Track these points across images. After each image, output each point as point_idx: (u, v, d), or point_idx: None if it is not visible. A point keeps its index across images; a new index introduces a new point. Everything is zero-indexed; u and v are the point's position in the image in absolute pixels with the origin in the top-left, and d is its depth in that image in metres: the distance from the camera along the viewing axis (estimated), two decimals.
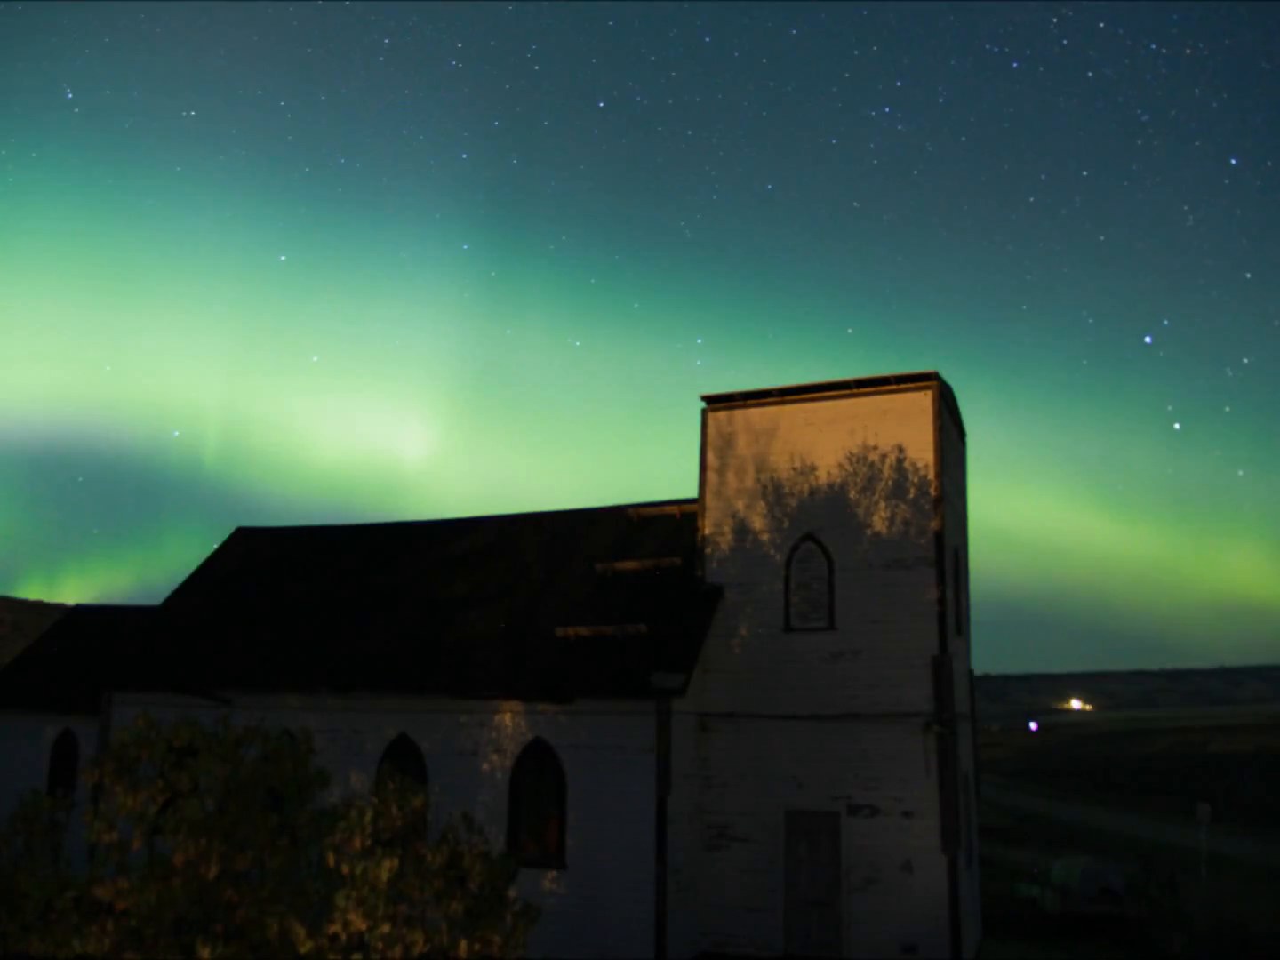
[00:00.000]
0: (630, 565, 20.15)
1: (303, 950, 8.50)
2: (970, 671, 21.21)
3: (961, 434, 21.74)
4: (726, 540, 19.24)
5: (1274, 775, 68.54)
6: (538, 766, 17.78)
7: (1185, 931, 24.21)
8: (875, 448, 18.52)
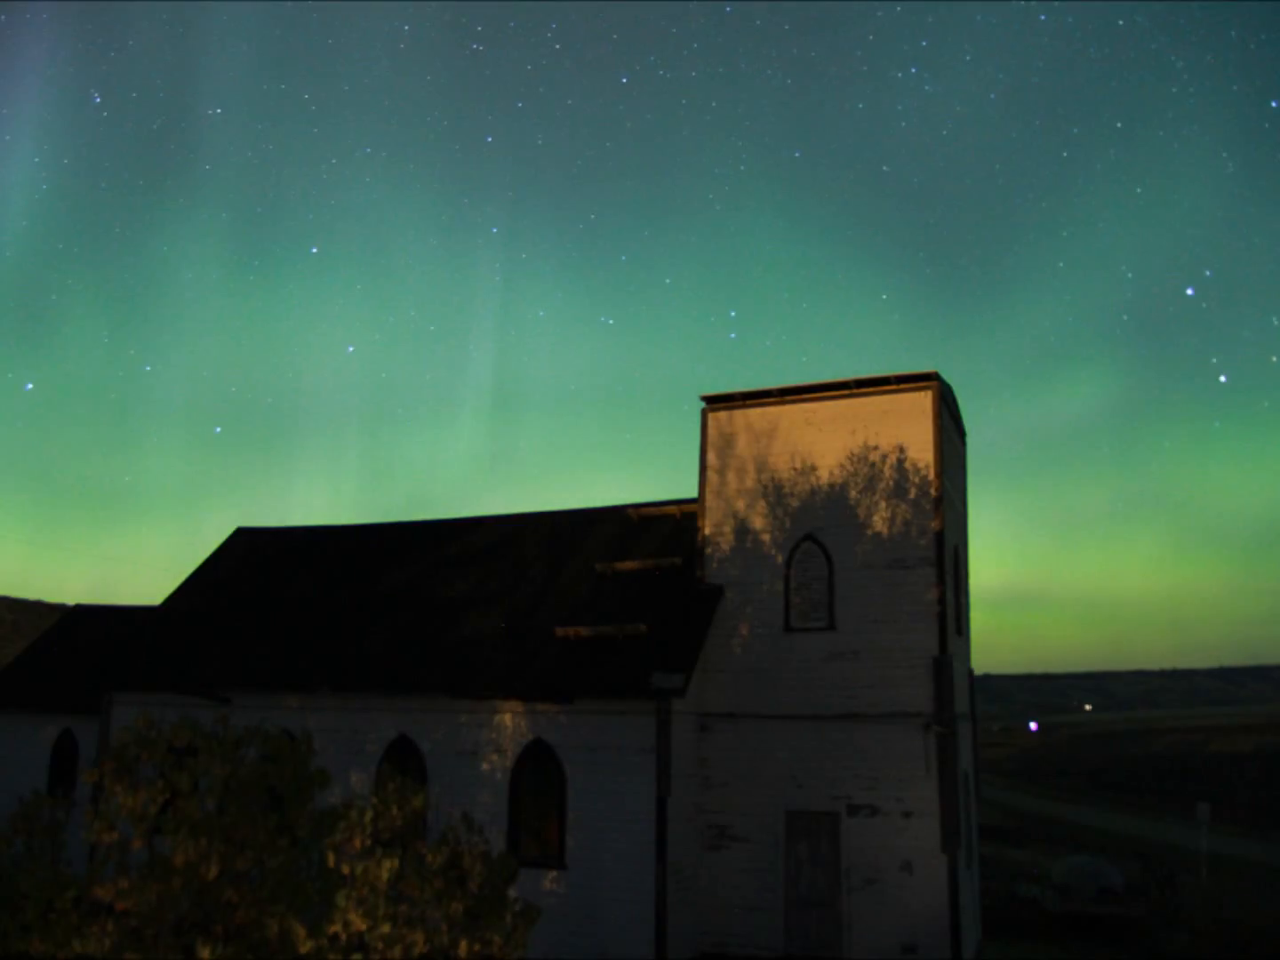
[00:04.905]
0: (630, 565, 20.16)
1: (303, 950, 8.49)
2: (970, 671, 21.21)
3: (962, 434, 21.75)
4: (727, 540, 19.24)
5: (1274, 775, 68.51)
6: (538, 766, 17.78)
7: (1185, 931, 24.21)
8: (876, 448, 18.52)
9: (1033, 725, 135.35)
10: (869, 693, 17.60)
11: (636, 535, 21.36)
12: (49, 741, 22.62)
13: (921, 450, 18.23)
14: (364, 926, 8.60)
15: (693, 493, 20.05)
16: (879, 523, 18.20)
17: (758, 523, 19.11)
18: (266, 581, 23.99)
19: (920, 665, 17.36)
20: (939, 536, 17.77)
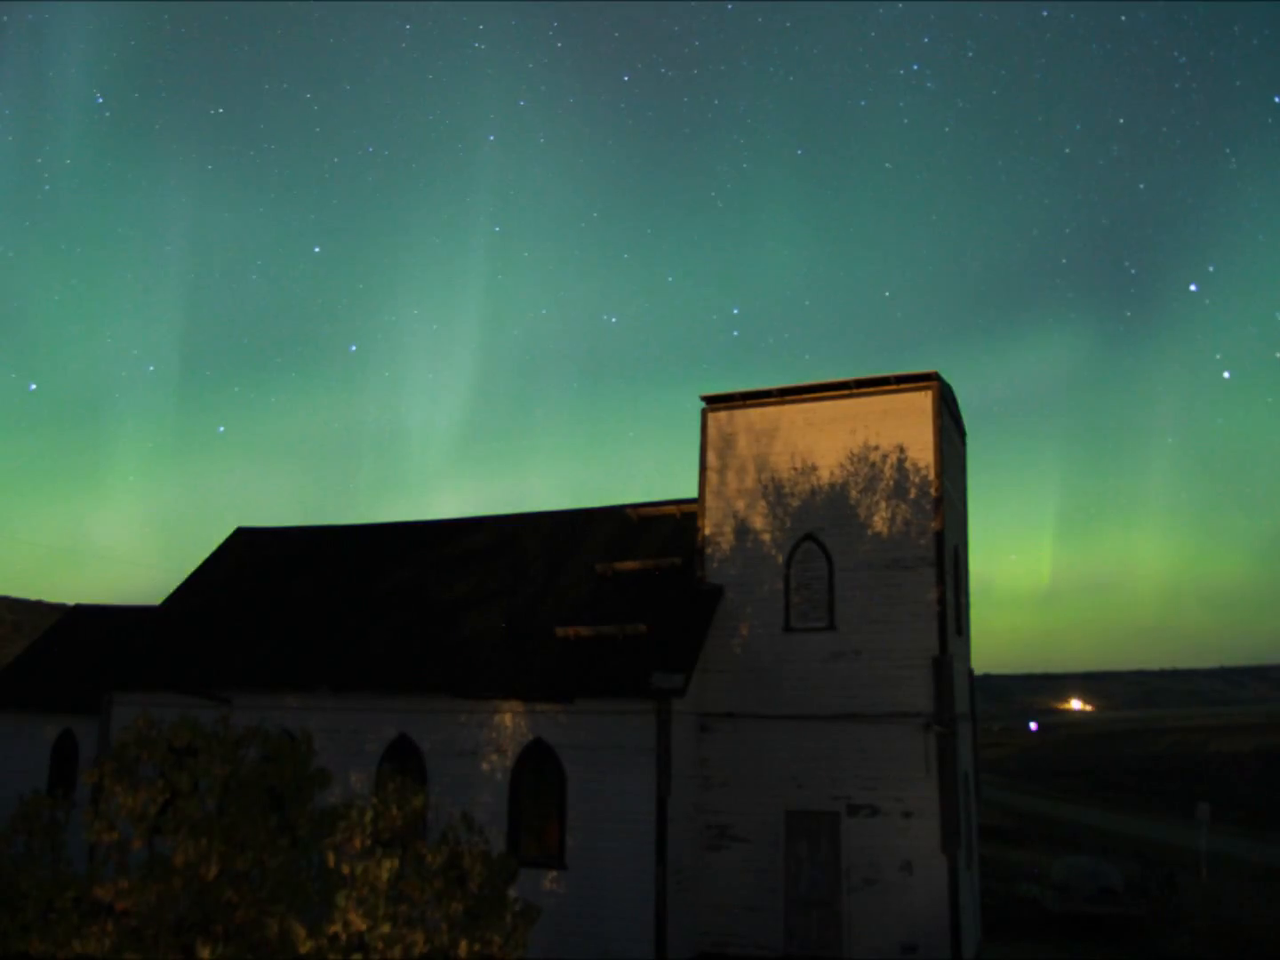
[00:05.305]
0: (630, 565, 20.15)
1: (303, 950, 8.49)
2: (970, 671, 21.21)
3: (962, 435, 21.74)
4: (727, 540, 19.24)
5: (1274, 775, 68.53)
6: (538, 766, 17.78)
7: (1185, 931, 24.22)
8: (876, 448, 18.52)
9: (1033, 725, 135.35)
10: (869, 693, 17.60)
11: (636, 535, 21.35)
12: (49, 741, 22.59)
13: (921, 450, 18.23)
14: (364, 926, 8.60)
15: (693, 493, 20.04)
16: (879, 523, 18.20)
17: (758, 523, 19.10)
18: (266, 581, 23.98)
19: (920, 665, 17.36)
20: (939, 536, 17.76)
